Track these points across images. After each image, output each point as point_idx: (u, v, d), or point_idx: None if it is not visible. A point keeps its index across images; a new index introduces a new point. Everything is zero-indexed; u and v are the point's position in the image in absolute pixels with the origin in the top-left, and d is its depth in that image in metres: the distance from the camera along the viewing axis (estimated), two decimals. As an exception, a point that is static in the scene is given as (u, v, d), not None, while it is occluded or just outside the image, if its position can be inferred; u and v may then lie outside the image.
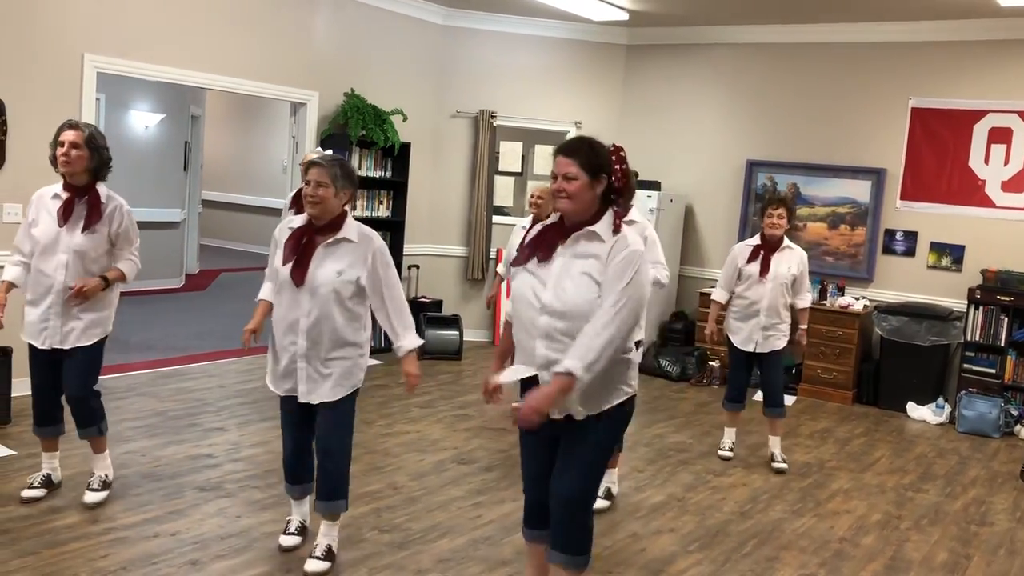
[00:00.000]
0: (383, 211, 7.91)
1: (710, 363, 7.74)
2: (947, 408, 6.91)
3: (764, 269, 5.32)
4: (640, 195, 8.02)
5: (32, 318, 3.94)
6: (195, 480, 4.50)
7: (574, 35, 8.63)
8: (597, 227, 2.87)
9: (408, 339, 3.55)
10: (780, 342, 5.39)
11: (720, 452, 5.58)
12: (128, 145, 9.72)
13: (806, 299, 5.48)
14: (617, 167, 2.92)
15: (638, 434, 5.98)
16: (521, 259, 2.93)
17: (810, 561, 4.10)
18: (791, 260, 5.37)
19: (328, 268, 3.44)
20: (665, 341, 8.26)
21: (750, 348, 5.40)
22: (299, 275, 3.44)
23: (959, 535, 4.57)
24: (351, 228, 3.51)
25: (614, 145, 2.98)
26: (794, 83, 7.98)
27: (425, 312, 8.02)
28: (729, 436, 5.63)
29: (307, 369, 3.51)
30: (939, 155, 7.34)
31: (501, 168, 8.83)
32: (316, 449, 3.64)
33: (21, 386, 5.42)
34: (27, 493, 4.06)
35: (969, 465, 5.84)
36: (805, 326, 5.55)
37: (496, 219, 8.76)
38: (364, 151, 7.60)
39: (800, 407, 7.10)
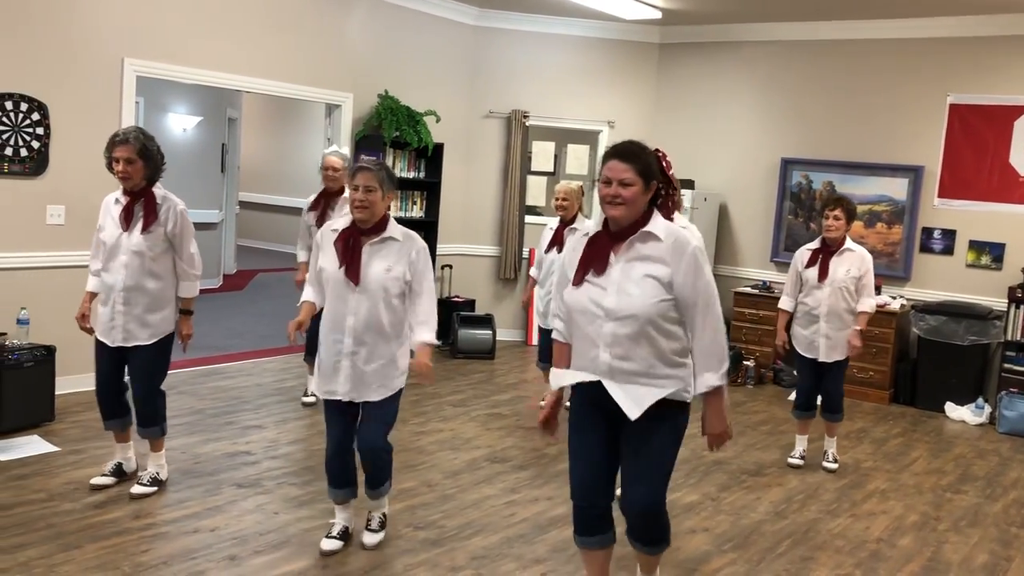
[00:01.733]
0: (416, 211, 7.95)
1: (745, 362, 7.69)
2: (987, 408, 6.81)
3: (822, 273, 5.13)
4: (673, 194, 8.01)
5: (102, 317, 4.11)
6: (233, 477, 4.57)
7: (607, 34, 8.62)
8: (652, 227, 2.84)
9: (423, 333, 3.59)
10: (844, 351, 5.19)
11: (790, 460, 5.40)
12: (166, 147, 9.73)
13: (865, 303, 5.17)
14: (669, 172, 2.90)
15: (672, 433, 5.97)
16: (578, 278, 2.89)
17: (845, 562, 4.07)
18: (851, 262, 5.14)
19: (376, 266, 3.53)
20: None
21: (813, 355, 5.23)
22: (354, 274, 3.52)
23: (999, 537, 4.51)
24: (395, 228, 3.63)
25: (657, 150, 2.95)
26: (829, 80, 7.90)
27: (458, 312, 8.06)
28: (801, 444, 5.45)
29: (351, 368, 3.57)
30: (978, 152, 7.23)
31: (533, 168, 8.84)
32: (358, 448, 3.68)
33: (65, 384, 5.55)
34: (96, 480, 4.23)
35: (1010, 466, 5.75)
36: (858, 328, 5.18)
37: (528, 219, 8.78)
38: (398, 152, 7.65)
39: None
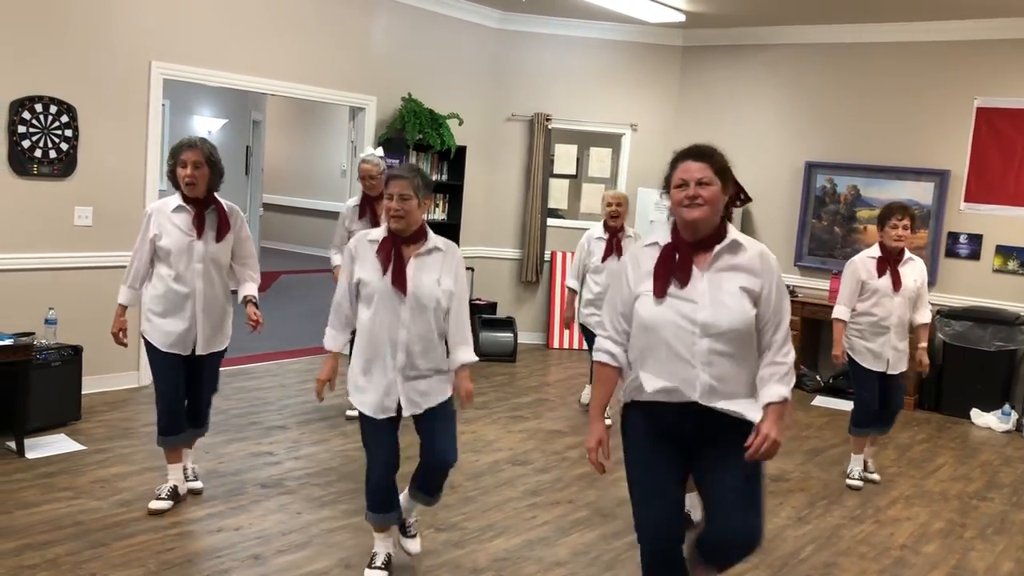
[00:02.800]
0: (439, 214, 7.98)
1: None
2: (1013, 415, 6.74)
3: (896, 282, 4.90)
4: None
5: (171, 328, 3.98)
6: (257, 477, 4.60)
7: (630, 37, 8.62)
8: (736, 235, 2.69)
9: (464, 353, 3.42)
10: (907, 363, 5.08)
11: (849, 481, 5.15)
12: (192, 150, 9.97)
13: (925, 314, 5.02)
14: (734, 179, 2.74)
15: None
16: (660, 290, 2.66)
17: (869, 568, 4.04)
18: (914, 272, 4.97)
19: (427, 278, 3.35)
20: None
21: (881, 368, 4.99)
22: (402, 285, 3.31)
23: (1026, 545, 4.47)
24: (434, 237, 3.45)
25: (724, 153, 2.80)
26: (854, 83, 7.85)
27: (480, 314, 8.08)
28: (857, 463, 5.20)
29: (405, 385, 3.38)
30: (1006, 156, 7.16)
31: (556, 171, 8.85)
32: (435, 462, 3.48)
33: (91, 384, 5.61)
34: (155, 505, 4.04)
35: (1036, 474, 5.69)
36: (924, 344, 5.05)
37: (551, 222, 8.78)
38: (421, 155, 7.68)
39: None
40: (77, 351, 5.27)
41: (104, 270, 5.79)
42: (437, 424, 3.46)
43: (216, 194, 4.06)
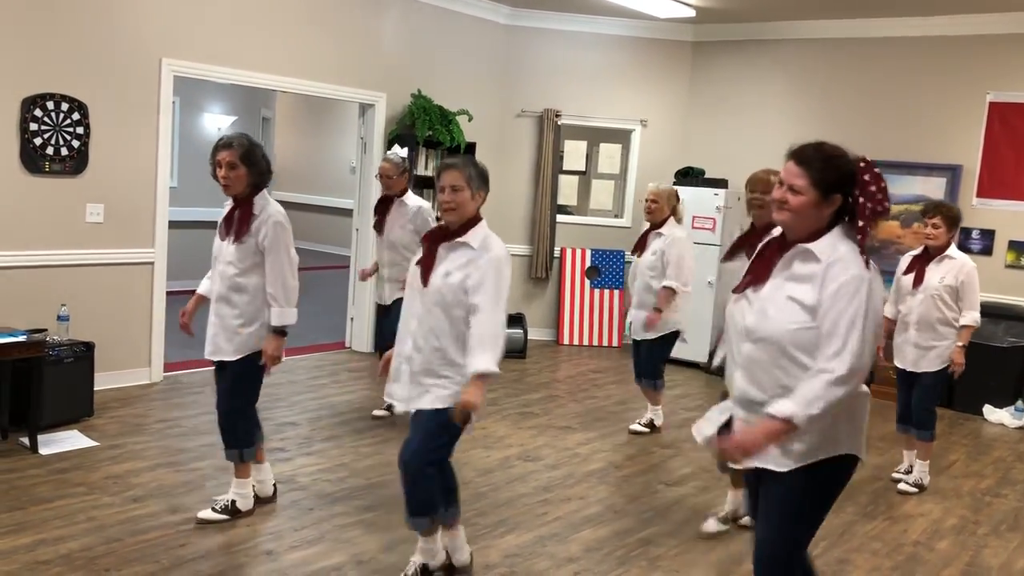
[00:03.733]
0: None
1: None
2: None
3: (917, 280, 4.91)
4: (707, 193, 7.96)
5: (207, 329, 3.92)
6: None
7: (640, 33, 8.59)
8: (815, 245, 2.47)
9: (477, 358, 3.07)
10: (934, 363, 4.94)
11: (893, 474, 5.26)
12: (201, 147, 9.98)
13: (965, 315, 4.88)
14: (871, 187, 2.44)
15: (704, 434, 5.93)
16: (742, 284, 2.61)
17: (883, 564, 4.02)
18: (947, 270, 4.88)
19: (440, 269, 3.22)
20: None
21: (903, 365, 5.02)
22: (424, 275, 3.24)
23: (1040, 541, 4.45)
24: (477, 234, 3.25)
25: (863, 159, 2.49)
26: (865, 78, 7.81)
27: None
28: (908, 459, 5.28)
29: (409, 374, 3.27)
30: (1018, 151, 7.11)
31: (565, 167, 8.83)
32: (400, 460, 3.31)
33: (103, 380, 5.64)
34: (203, 515, 3.91)
35: (1050, 470, 5.66)
36: (961, 343, 4.90)
37: (560, 218, 8.77)
38: (430, 151, 7.68)
39: (872, 408, 6.94)
40: (89, 347, 5.29)
41: (116, 267, 5.81)
42: (417, 426, 3.27)
43: (262, 193, 3.82)
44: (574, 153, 8.87)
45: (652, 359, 5.72)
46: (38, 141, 5.37)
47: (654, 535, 4.19)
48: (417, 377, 3.25)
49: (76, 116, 5.53)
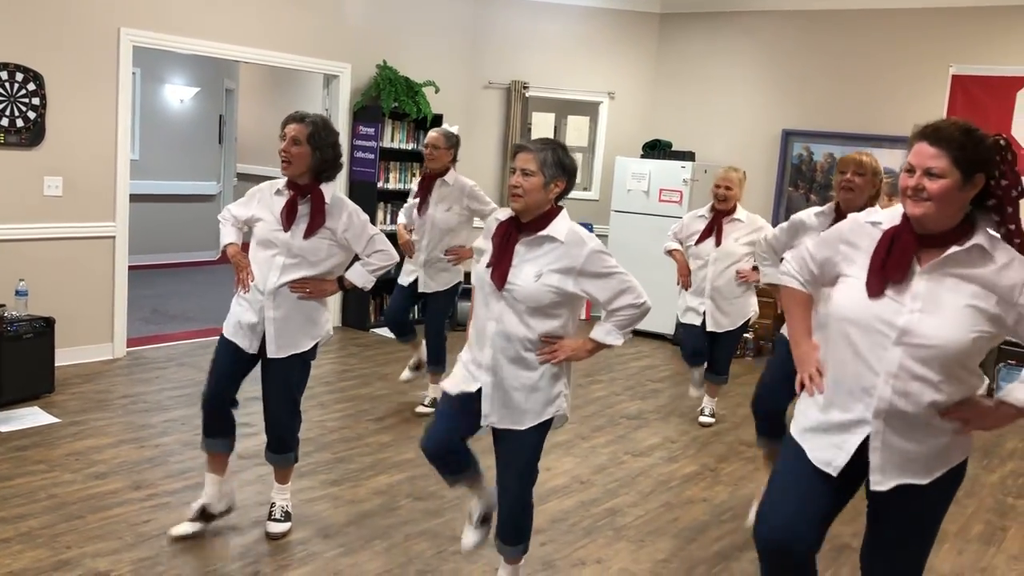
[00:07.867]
0: (415, 183, 7.90)
1: (745, 335, 7.68)
2: (985, 380, 6.80)
3: None
4: (674, 166, 7.98)
5: (238, 316, 3.58)
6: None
7: (607, 4, 8.54)
8: (981, 238, 2.18)
9: (599, 328, 2.94)
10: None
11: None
12: (163, 119, 9.83)
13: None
14: (1014, 167, 2.20)
15: (671, 404, 5.98)
16: (875, 288, 2.25)
17: (843, 532, 4.09)
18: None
19: (527, 271, 2.85)
20: (698, 313, 8.22)
21: None
22: (499, 276, 2.87)
23: (995, 507, 4.54)
24: (560, 225, 2.88)
25: (1001, 136, 2.26)
26: (831, 51, 7.84)
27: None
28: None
29: (492, 384, 2.95)
30: (981, 124, 6.91)
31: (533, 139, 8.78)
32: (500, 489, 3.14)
33: (64, 356, 5.55)
34: (178, 530, 3.56)
35: (1007, 438, 5.77)
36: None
37: (528, 191, 8.74)
38: (396, 123, 7.61)
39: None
40: (49, 323, 5.21)
41: (76, 241, 5.71)
42: (511, 455, 3.02)
43: (328, 184, 3.51)
44: (542, 125, 8.82)
45: (731, 350, 5.50)
46: (-8, 112, 5.24)
47: (620, 505, 4.22)
48: (502, 389, 2.95)
49: (32, 87, 5.40)
